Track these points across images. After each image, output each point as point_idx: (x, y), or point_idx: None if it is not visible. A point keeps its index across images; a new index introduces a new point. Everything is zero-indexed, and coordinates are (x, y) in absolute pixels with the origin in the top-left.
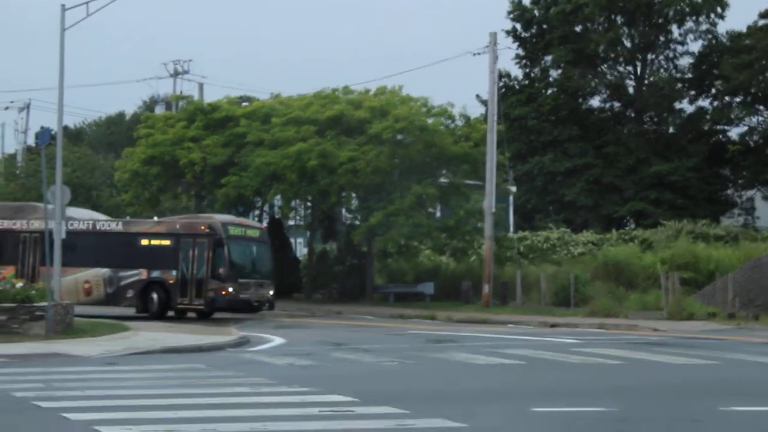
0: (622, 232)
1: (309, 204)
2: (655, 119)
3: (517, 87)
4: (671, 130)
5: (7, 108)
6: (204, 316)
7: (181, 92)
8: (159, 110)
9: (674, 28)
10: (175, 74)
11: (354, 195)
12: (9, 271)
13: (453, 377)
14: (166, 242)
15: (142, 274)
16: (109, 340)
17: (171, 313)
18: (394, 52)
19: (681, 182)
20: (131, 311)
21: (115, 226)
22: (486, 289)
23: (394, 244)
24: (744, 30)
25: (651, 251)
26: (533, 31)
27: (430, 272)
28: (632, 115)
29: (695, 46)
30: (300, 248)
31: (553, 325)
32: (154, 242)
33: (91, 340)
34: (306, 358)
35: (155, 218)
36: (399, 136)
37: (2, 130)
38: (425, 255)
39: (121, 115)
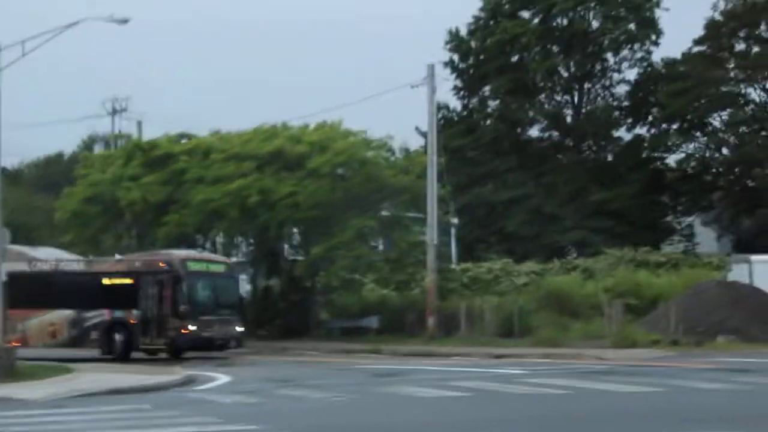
0: (564, 262)
1: (251, 240)
2: (594, 148)
3: (456, 118)
4: (610, 158)
5: None
6: (174, 356)
7: (119, 131)
8: (98, 149)
9: (610, 56)
10: (114, 112)
11: (295, 230)
12: None
13: (400, 411)
14: (128, 281)
15: (105, 314)
16: (53, 383)
17: (139, 354)
18: (332, 86)
19: (621, 210)
20: (97, 353)
21: (77, 265)
22: (430, 321)
23: (337, 278)
24: (679, 57)
25: (593, 280)
26: (470, 62)
27: (375, 306)
28: (571, 144)
29: (631, 74)
30: (244, 285)
31: (498, 356)
32: (116, 281)
33: (36, 383)
34: (252, 396)
35: (117, 256)
36: (339, 170)
37: None
38: (369, 289)
39: (59, 155)
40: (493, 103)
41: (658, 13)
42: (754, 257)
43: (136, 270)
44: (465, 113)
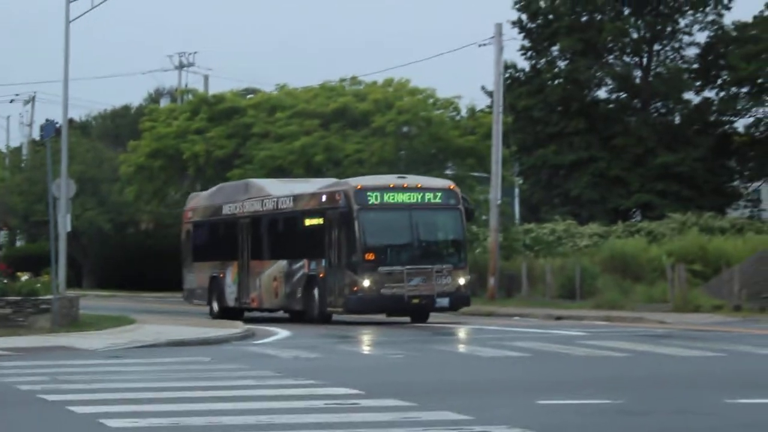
0: (628, 224)
1: None
2: (662, 110)
3: (524, 78)
4: (677, 120)
5: (11, 101)
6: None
7: (186, 85)
8: (164, 103)
9: (681, 18)
10: (180, 66)
11: None
12: (235, 268)
13: (459, 370)
14: (318, 221)
15: (305, 266)
16: (114, 334)
17: (343, 317)
18: (401, 43)
19: (687, 173)
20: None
21: (288, 203)
22: (491, 281)
23: None
24: (750, 20)
25: (657, 243)
26: (539, 21)
27: None
28: (639, 106)
29: (702, 37)
30: None
31: (558, 318)
32: (310, 222)
33: (96, 333)
34: (311, 351)
35: (320, 184)
36: (405, 129)
37: (7, 123)
38: None
39: (126, 108)
40: (561, 64)
41: None
42: None
43: (321, 207)
44: (532, 73)
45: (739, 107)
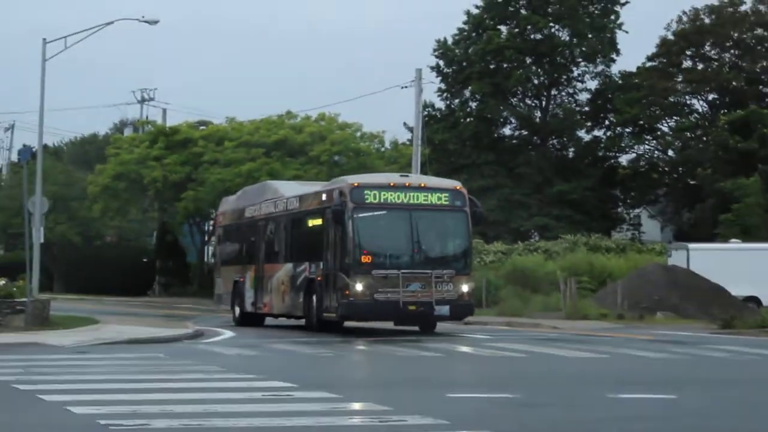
0: (528, 244)
1: None
2: (558, 146)
3: (440, 116)
4: (571, 155)
5: None
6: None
7: (146, 117)
8: (128, 132)
9: (575, 68)
10: (142, 101)
11: None
12: (252, 272)
13: (381, 367)
14: (318, 221)
15: (306, 269)
16: (80, 332)
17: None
18: (335, 81)
19: (579, 200)
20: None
21: (296, 202)
22: None
23: None
24: (634, 70)
25: (552, 260)
26: (454, 67)
27: None
28: (538, 141)
29: (592, 84)
30: None
31: (466, 323)
32: (312, 223)
33: (65, 332)
34: (253, 350)
35: (313, 185)
36: (336, 158)
37: None
38: None
39: (94, 136)
40: (472, 104)
41: (618, 33)
42: (692, 245)
43: (320, 206)
44: (447, 112)
45: (623, 144)
